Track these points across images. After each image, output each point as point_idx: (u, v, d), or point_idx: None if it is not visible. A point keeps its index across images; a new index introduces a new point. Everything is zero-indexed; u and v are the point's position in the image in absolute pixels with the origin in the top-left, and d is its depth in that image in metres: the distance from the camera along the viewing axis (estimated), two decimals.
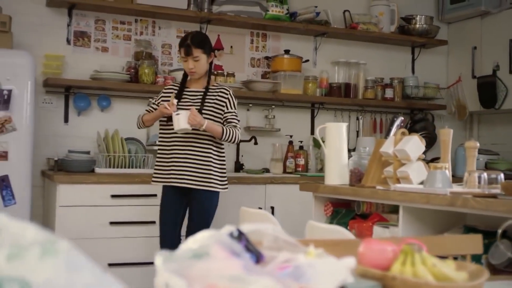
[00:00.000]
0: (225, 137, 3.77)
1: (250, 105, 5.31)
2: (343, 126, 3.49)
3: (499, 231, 2.00)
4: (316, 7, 5.33)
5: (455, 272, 1.50)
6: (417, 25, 5.73)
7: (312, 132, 5.59)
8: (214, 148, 3.85)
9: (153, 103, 3.97)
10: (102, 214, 4.18)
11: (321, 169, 5.51)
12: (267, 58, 5.40)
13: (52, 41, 4.71)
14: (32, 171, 4.16)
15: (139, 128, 4.03)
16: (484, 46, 5.71)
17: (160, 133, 3.95)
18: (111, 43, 4.89)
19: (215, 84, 4.02)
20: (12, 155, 4.03)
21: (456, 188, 2.78)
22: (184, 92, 3.89)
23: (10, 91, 3.96)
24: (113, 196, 4.20)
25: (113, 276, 1.04)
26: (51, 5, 4.68)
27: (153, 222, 4.23)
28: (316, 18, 5.34)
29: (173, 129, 3.72)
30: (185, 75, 3.94)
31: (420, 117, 5.92)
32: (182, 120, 3.65)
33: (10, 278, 0.97)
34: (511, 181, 2.54)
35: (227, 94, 3.89)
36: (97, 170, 4.45)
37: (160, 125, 3.94)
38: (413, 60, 6.07)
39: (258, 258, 1.41)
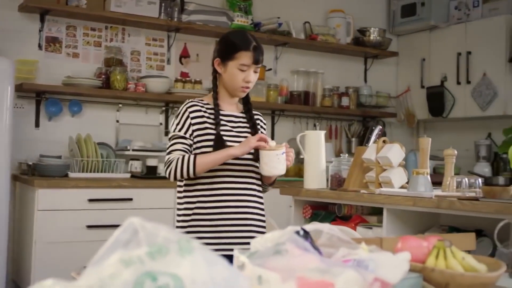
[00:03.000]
0: (273, 184, 2.87)
1: None
2: (322, 134, 3.70)
3: (496, 232, 2.24)
4: (278, 18, 5.56)
5: (479, 264, 1.74)
6: (371, 37, 6.05)
7: (272, 138, 5.80)
8: None
9: (183, 137, 2.62)
10: (80, 218, 4.25)
11: None
12: None
13: (24, 47, 4.75)
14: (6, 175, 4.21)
15: (179, 179, 2.65)
16: (432, 58, 6.08)
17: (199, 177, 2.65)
18: (82, 49, 4.97)
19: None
20: None
21: (437, 191, 3.04)
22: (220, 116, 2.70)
23: None
24: (90, 200, 4.28)
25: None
26: (23, 11, 4.72)
27: None
28: (279, 28, 5.56)
29: (224, 169, 2.64)
30: (215, 91, 2.72)
31: (372, 124, 6.23)
32: (284, 162, 2.58)
33: (161, 272, 1.10)
34: (493, 186, 2.82)
35: (265, 124, 2.92)
36: (71, 174, 4.52)
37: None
38: (366, 70, 6.39)
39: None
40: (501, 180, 5.30)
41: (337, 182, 3.55)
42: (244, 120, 2.77)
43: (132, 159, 4.90)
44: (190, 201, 2.65)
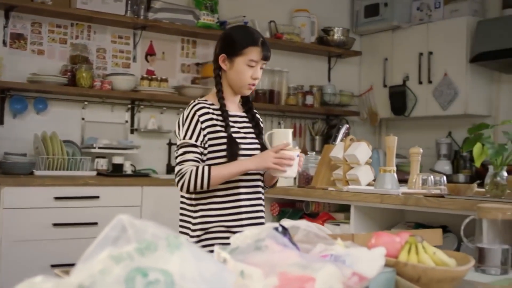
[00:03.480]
0: (274, 186, 2.84)
1: (181, 109, 5.49)
2: (290, 132, 3.74)
3: (462, 227, 2.32)
4: (244, 16, 5.60)
5: (449, 259, 1.81)
6: (335, 37, 6.13)
7: None
8: None
9: (193, 145, 2.49)
10: (46, 216, 4.23)
11: None
12: (197, 64, 5.60)
13: None
14: None
15: (193, 191, 2.50)
16: (394, 58, 6.19)
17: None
18: (47, 46, 4.93)
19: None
20: None
21: (403, 188, 3.12)
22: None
23: None
24: (56, 198, 4.26)
25: None
26: None
27: (96, 224, 4.34)
28: None
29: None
30: (220, 90, 2.60)
31: (335, 122, 6.32)
32: (297, 165, 2.55)
33: (151, 268, 1.13)
34: (457, 183, 2.91)
35: (262, 122, 2.82)
36: (36, 172, 4.48)
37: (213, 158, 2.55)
38: (329, 69, 6.47)
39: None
40: (461, 177, 5.45)
41: (305, 180, 3.61)
42: (247, 119, 2.68)
43: (98, 157, 4.89)
44: (206, 208, 2.55)
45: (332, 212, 3.54)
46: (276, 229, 1.58)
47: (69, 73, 4.84)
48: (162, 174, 5.22)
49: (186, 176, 2.43)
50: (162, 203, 4.64)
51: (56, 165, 4.56)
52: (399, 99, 6.03)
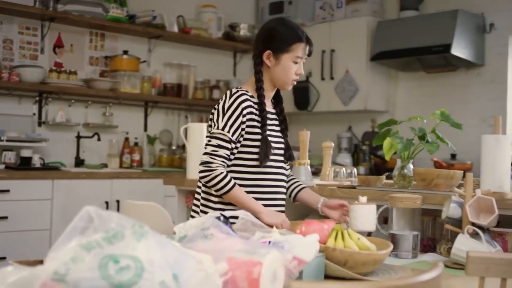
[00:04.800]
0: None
1: (89, 102, 5.47)
2: (204, 126, 3.87)
3: (376, 215, 2.51)
4: (153, 10, 5.64)
5: (371, 244, 1.99)
6: (241, 33, 6.28)
7: (146, 129, 5.89)
8: None
9: (230, 140, 2.46)
10: None
11: (154, 164, 5.84)
12: (106, 57, 5.59)
13: None
14: None
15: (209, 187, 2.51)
16: None
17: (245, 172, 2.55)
18: None
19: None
20: None
21: (316, 180, 3.31)
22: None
23: None
24: None
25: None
26: None
27: (6, 218, 4.29)
28: (153, 21, 5.64)
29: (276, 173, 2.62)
30: (261, 87, 2.56)
31: None
32: None
33: (121, 255, 1.22)
34: (367, 176, 3.11)
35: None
36: None
37: (242, 159, 2.53)
38: (235, 64, 6.62)
39: None
40: (361, 170, 5.75)
41: None
42: (275, 116, 2.65)
43: (5, 150, 4.81)
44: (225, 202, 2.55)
45: None
46: (219, 218, 1.70)
47: None
48: (71, 167, 5.19)
49: (213, 174, 2.41)
50: (73, 196, 4.64)
51: None
52: (302, 94, 6.26)
